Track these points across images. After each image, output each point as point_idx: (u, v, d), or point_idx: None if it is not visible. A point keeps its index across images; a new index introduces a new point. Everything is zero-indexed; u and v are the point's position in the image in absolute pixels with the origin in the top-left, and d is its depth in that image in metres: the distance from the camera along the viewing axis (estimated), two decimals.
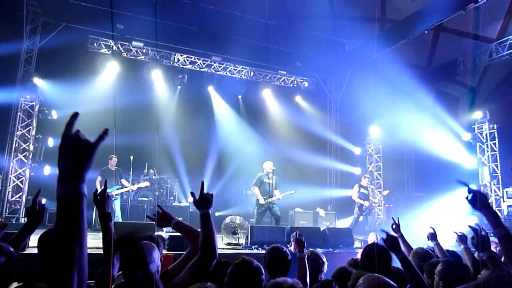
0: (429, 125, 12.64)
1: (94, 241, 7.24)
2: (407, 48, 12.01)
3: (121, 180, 9.48)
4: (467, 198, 2.32)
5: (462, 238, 3.84)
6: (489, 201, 2.44)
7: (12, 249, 2.40)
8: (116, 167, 9.48)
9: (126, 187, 9.50)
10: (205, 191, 2.54)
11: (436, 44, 12.62)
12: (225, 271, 2.46)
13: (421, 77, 14.11)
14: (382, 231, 3.10)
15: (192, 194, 2.55)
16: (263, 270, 2.48)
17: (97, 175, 9.33)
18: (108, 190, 9.13)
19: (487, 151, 11.31)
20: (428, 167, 13.70)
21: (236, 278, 2.38)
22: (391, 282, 2.10)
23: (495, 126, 11.28)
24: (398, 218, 4.01)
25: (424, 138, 13.38)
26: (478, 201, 2.29)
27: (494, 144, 11.20)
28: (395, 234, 3.54)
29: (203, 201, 2.48)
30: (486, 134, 11.34)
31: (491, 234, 2.46)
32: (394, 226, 3.91)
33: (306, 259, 3.29)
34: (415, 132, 13.29)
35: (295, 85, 14.74)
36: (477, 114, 11.64)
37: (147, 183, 10.25)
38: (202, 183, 2.59)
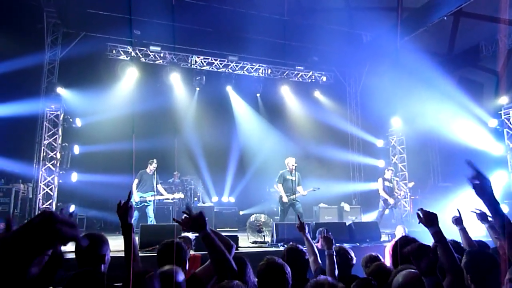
0: (453, 113, 12.34)
1: (122, 244, 7.41)
2: (427, 36, 11.74)
3: (157, 186, 9.46)
4: (472, 182, 2.23)
5: (482, 216, 3.68)
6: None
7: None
8: (154, 172, 9.45)
9: (161, 194, 9.55)
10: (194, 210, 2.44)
11: (456, 30, 12.28)
12: (241, 267, 2.47)
13: (442, 65, 13.79)
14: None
15: (186, 217, 2.40)
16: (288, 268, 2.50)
17: (134, 178, 9.39)
18: (144, 195, 9.30)
19: None
20: (454, 156, 13.36)
21: (266, 279, 2.41)
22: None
23: None
24: (458, 210, 3.71)
25: (448, 127, 13.07)
26: (480, 186, 2.22)
27: None
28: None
29: (195, 223, 2.34)
30: None
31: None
32: (454, 220, 3.70)
33: (334, 256, 3.26)
34: (439, 121, 13.00)
35: (313, 80, 14.64)
36: (503, 100, 11.28)
37: (182, 195, 10.28)
38: (187, 206, 2.48)
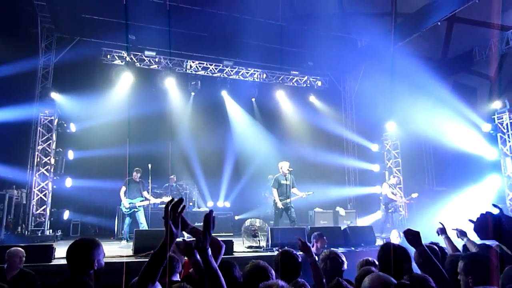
0: (447, 118, 12.42)
1: (117, 250, 7.36)
2: (421, 41, 11.83)
3: (143, 193, 9.64)
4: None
5: (461, 233, 4.24)
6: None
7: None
8: (140, 179, 9.67)
9: (148, 199, 9.65)
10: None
11: (450, 35, 12.40)
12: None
13: (436, 70, 13.87)
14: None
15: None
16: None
17: (121, 185, 9.50)
18: (132, 201, 9.35)
19: (509, 141, 11.02)
20: (448, 161, 13.44)
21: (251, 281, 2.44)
22: (394, 281, 2.06)
23: None
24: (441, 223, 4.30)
25: (443, 131, 13.15)
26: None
27: None
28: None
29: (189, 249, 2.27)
30: (507, 124, 11.05)
31: None
32: (439, 230, 4.20)
33: (324, 260, 3.31)
34: (433, 126, 13.07)
35: (308, 85, 14.69)
36: (496, 104, 11.36)
37: (170, 198, 10.34)
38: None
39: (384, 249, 3.00)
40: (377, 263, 3.32)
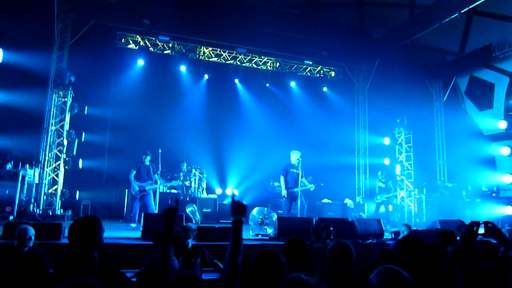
0: (460, 113, 12.26)
1: (125, 232, 7.47)
2: (438, 34, 11.59)
3: (153, 176, 9.62)
4: None
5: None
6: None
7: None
8: (150, 163, 9.65)
9: (157, 183, 9.66)
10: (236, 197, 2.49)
11: (469, 29, 12.11)
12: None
13: (453, 63, 13.66)
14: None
15: (232, 198, 2.48)
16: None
17: (131, 169, 9.52)
18: (142, 184, 9.39)
19: None
20: (461, 157, 13.28)
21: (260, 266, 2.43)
22: (408, 276, 1.91)
23: None
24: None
25: (454, 126, 12.99)
26: None
27: None
28: None
29: (238, 209, 2.40)
30: None
31: None
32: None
33: (333, 250, 3.26)
34: (446, 120, 12.91)
35: (322, 75, 14.54)
36: None
37: (179, 182, 10.59)
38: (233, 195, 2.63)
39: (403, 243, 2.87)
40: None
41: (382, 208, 12.00)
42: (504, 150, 11.55)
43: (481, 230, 2.49)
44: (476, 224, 2.44)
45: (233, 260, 2.21)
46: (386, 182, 12.18)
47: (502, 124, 11.75)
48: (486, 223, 2.67)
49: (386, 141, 14.40)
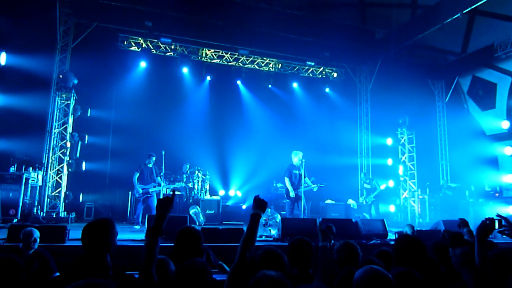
0: (463, 113, 12.24)
1: (129, 234, 7.48)
2: (440, 34, 11.58)
3: (156, 178, 9.67)
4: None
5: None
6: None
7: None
8: (153, 165, 9.71)
9: (161, 185, 9.70)
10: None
11: (471, 29, 12.10)
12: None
13: (455, 63, 13.64)
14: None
15: (256, 196, 2.67)
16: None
17: (135, 171, 9.56)
18: (145, 187, 9.41)
19: None
20: (464, 157, 13.25)
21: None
22: (389, 275, 1.90)
23: None
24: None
25: (458, 127, 12.94)
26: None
27: None
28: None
29: (259, 204, 2.57)
30: None
31: None
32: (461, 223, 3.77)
33: (340, 251, 3.24)
34: (449, 121, 12.87)
35: (324, 76, 14.55)
36: None
37: (182, 184, 10.61)
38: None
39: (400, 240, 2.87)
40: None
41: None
42: (507, 150, 11.54)
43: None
44: (491, 220, 2.50)
45: (243, 251, 2.30)
46: (371, 182, 12.04)
47: (505, 124, 11.74)
48: (500, 219, 2.71)
49: (389, 141, 14.39)
